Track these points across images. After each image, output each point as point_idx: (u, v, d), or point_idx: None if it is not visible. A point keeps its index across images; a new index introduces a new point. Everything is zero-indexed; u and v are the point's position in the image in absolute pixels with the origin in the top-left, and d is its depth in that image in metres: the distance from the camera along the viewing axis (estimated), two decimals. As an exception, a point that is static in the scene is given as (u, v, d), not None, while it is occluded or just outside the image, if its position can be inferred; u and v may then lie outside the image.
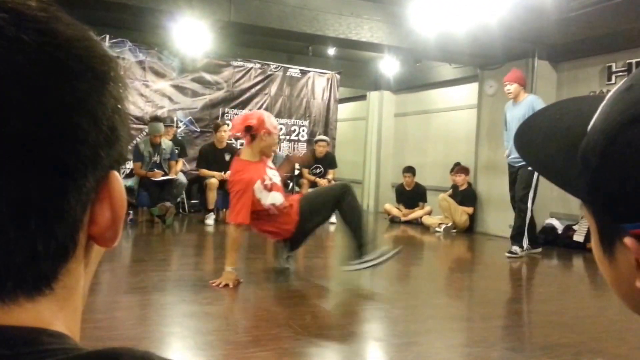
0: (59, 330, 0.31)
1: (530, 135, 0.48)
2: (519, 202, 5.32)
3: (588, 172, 0.39)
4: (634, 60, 5.76)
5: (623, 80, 0.40)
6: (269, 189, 3.64)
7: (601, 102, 0.41)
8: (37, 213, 0.29)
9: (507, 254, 5.33)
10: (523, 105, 5.22)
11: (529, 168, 4.48)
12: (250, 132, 3.57)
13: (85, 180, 0.31)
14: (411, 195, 8.08)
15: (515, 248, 5.32)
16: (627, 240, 0.38)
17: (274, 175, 3.74)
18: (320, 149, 7.50)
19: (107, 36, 7.09)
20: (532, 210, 5.31)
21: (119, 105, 0.34)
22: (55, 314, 0.32)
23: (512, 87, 5.33)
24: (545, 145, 0.46)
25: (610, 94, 0.41)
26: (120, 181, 0.35)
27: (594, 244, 0.43)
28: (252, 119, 3.60)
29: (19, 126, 0.28)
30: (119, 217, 0.34)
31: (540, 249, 5.60)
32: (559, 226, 6.18)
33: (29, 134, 0.28)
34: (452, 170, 7.49)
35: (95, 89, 0.32)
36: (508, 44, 6.10)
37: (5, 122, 0.27)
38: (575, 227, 6.00)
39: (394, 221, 7.95)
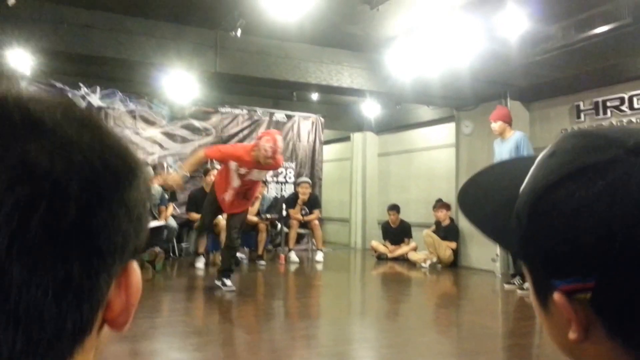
0: None
1: (472, 193, 0.51)
2: None
3: (520, 230, 0.42)
4: (599, 99, 6.07)
5: (548, 147, 0.44)
6: (240, 176, 4.69)
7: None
8: (73, 291, 0.32)
9: (506, 284, 5.45)
10: (509, 142, 5.32)
11: None
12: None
13: (113, 264, 0.34)
14: (397, 232, 8.28)
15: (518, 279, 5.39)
16: (556, 296, 0.40)
17: (253, 174, 4.74)
18: (304, 190, 7.67)
19: (98, 87, 7.35)
20: None
21: (145, 197, 0.37)
22: None
23: (496, 125, 5.37)
24: (484, 204, 0.49)
25: (538, 158, 0.44)
26: (138, 272, 0.37)
27: (531, 295, 0.46)
28: (268, 135, 4.63)
29: (74, 215, 0.31)
30: (132, 304, 0.37)
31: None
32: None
33: (80, 222, 0.32)
34: (434, 207, 7.71)
35: (129, 183, 0.35)
36: (478, 86, 6.42)
37: (65, 211, 0.31)
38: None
39: (381, 258, 8.11)
